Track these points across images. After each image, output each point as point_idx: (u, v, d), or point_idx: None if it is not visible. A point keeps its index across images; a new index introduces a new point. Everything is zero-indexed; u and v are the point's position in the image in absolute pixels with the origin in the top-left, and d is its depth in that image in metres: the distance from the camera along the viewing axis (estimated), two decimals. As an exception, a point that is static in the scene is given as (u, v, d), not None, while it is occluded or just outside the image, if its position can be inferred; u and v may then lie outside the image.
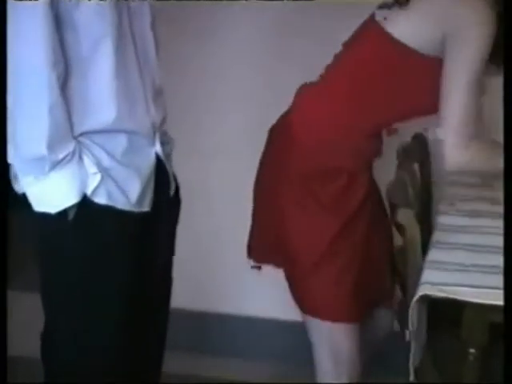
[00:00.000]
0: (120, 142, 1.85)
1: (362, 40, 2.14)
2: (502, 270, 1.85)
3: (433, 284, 1.91)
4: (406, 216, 2.06)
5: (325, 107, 2.14)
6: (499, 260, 1.90)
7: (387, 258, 2.28)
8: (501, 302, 1.76)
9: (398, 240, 2.18)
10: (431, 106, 2.08)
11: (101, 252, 1.85)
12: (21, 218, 1.83)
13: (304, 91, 2.20)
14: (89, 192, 1.79)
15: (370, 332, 2.32)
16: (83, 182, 1.78)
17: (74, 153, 1.75)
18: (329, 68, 2.19)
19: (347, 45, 2.18)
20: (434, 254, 2.04)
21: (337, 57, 2.19)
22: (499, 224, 2.07)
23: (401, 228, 2.10)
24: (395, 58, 2.08)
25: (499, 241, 1.98)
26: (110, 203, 1.82)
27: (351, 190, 2.15)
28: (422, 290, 1.90)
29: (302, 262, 2.16)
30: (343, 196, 2.14)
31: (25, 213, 1.87)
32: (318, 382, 2.29)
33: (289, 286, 2.24)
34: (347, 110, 2.12)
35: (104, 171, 1.81)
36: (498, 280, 1.83)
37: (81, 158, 1.77)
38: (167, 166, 2.01)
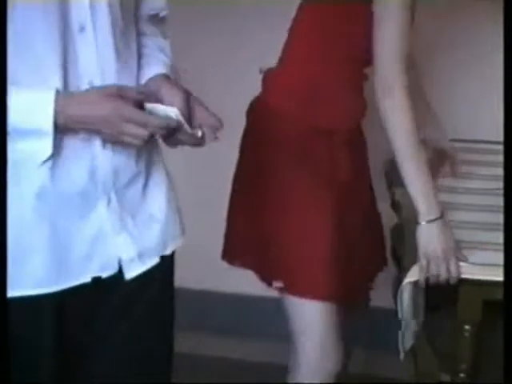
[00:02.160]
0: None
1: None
2: (495, 246, 1.87)
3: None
4: (402, 194, 2.07)
5: (294, 69, 2.07)
6: (493, 236, 1.92)
7: (373, 250, 2.20)
8: (496, 278, 1.79)
9: (394, 218, 2.19)
10: None
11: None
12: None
13: (269, 72, 2.13)
14: None
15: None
16: None
17: None
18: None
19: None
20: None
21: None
22: (495, 201, 2.09)
23: (397, 206, 2.11)
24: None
25: (494, 218, 2.01)
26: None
27: (338, 153, 2.05)
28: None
29: (284, 241, 2.05)
30: (331, 163, 2.04)
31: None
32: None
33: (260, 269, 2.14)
34: (318, 64, 2.03)
35: None
36: (493, 256, 1.86)
37: None
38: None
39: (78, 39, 1.42)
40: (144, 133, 1.39)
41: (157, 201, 1.57)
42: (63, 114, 1.37)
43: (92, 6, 1.42)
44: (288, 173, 2.03)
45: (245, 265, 2.18)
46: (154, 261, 1.55)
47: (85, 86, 1.43)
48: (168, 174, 1.63)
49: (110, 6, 1.45)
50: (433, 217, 1.87)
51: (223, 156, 2.25)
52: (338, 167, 2.04)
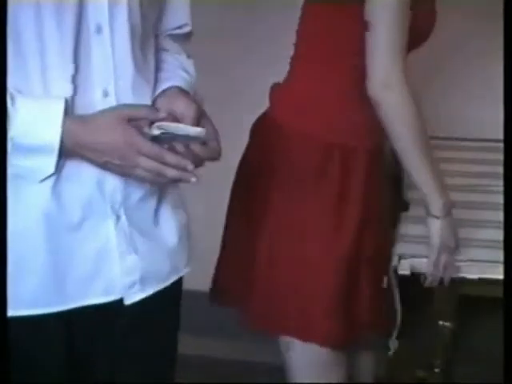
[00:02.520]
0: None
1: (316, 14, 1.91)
2: (474, 242, 1.90)
3: (404, 257, 1.90)
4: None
5: (301, 83, 1.91)
6: (472, 233, 1.94)
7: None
8: (471, 275, 1.82)
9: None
10: None
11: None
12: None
13: (277, 87, 1.97)
14: None
15: None
16: None
17: None
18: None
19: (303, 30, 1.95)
20: (405, 228, 2.03)
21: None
22: (477, 198, 2.12)
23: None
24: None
25: (474, 215, 2.03)
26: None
27: (355, 177, 1.84)
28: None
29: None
30: (346, 186, 1.83)
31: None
32: None
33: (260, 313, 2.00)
34: (324, 77, 1.87)
35: None
36: (470, 253, 1.86)
37: None
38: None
39: (93, 40, 1.32)
40: (158, 167, 1.31)
41: (169, 226, 1.49)
42: (69, 136, 1.28)
43: (111, 7, 1.32)
44: (296, 197, 1.85)
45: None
46: (155, 288, 1.47)
47: (98, 93, 1.33)
48: (183, 199, 1.56)
49: (130, 10, 1.34)
50: (447, 210, 1.81)
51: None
52: (352, 191, 1.85)
